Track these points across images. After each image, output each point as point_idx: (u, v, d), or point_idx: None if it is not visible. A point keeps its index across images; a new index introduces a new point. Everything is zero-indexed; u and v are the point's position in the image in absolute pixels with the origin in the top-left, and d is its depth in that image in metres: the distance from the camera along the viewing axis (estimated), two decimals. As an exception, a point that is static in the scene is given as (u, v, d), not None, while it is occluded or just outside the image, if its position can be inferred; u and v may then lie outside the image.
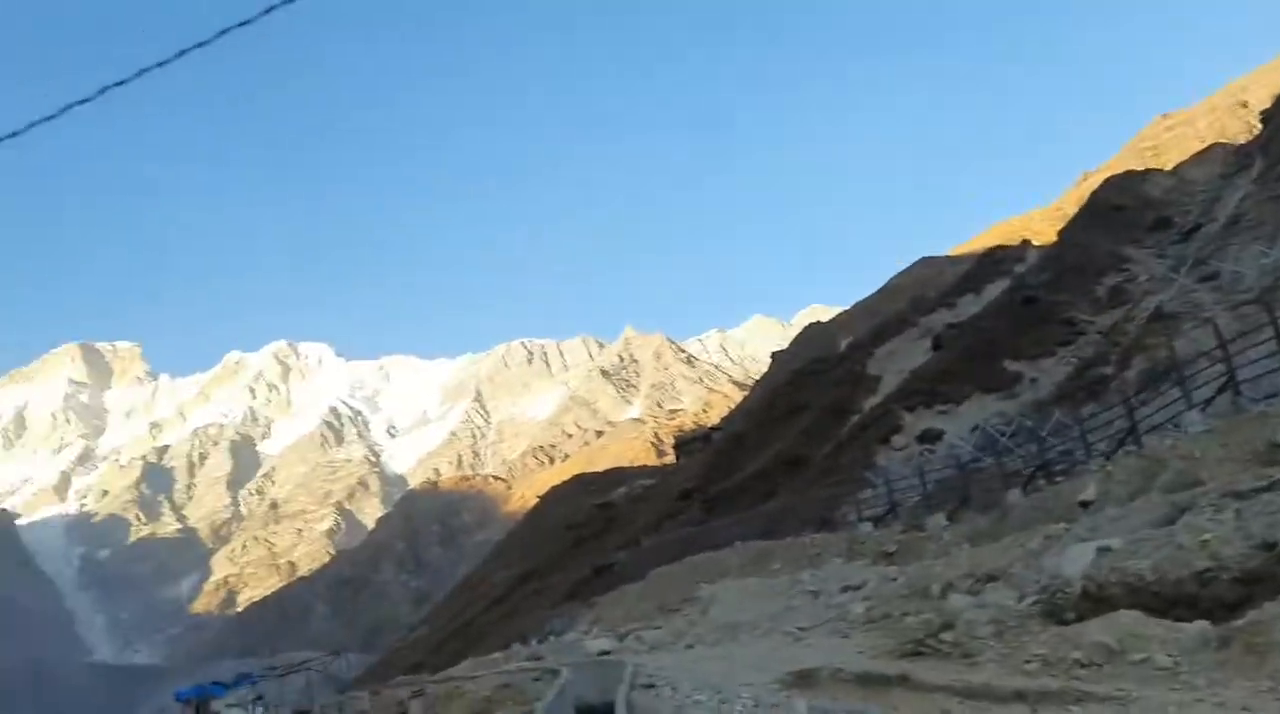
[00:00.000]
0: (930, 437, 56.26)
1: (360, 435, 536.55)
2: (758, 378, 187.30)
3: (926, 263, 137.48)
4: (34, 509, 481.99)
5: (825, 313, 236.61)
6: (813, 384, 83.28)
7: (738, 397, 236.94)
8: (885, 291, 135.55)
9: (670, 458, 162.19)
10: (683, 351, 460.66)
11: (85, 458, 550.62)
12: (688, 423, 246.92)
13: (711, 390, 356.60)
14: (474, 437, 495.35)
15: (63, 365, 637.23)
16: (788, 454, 71.05)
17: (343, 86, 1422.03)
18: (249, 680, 36.67)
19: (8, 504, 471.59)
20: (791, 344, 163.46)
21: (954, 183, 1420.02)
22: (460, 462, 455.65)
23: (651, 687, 17.63)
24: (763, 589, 31.30)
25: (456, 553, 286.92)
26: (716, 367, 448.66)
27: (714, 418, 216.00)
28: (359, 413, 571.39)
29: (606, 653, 28.07)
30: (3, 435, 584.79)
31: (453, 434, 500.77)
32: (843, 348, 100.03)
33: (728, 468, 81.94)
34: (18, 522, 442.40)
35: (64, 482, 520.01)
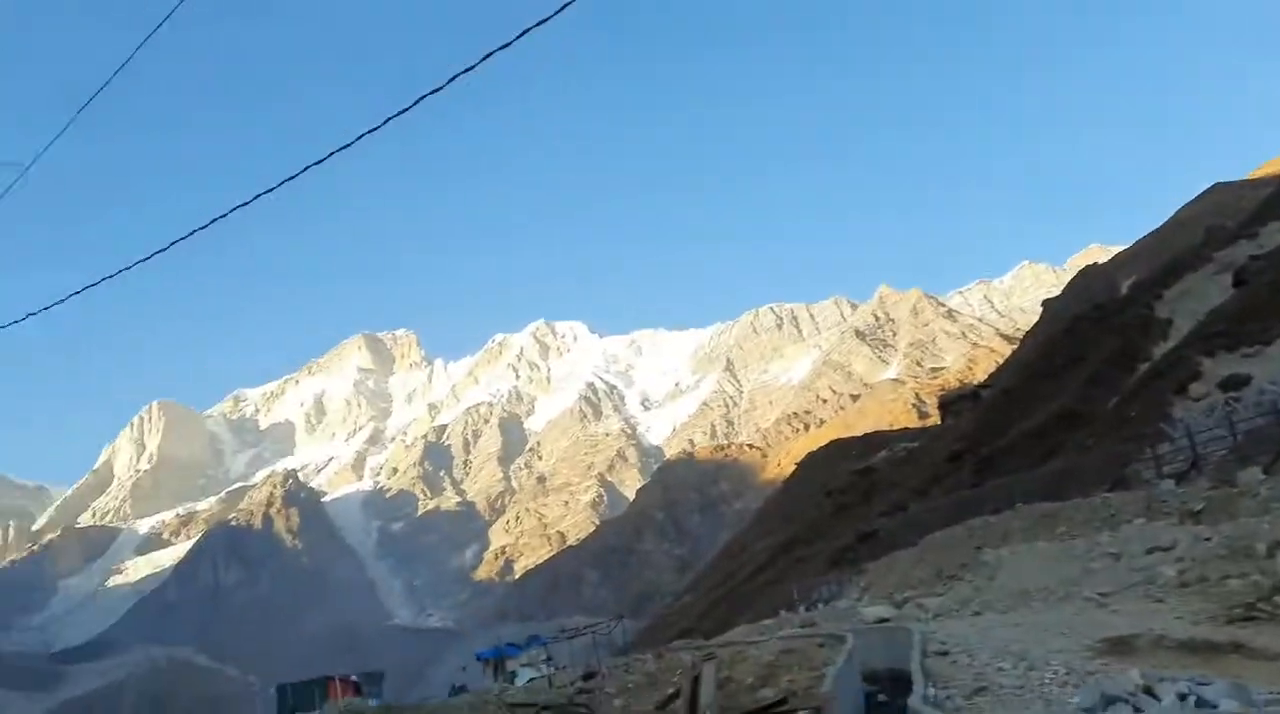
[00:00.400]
0: (1235, 383, 50.18)
1: (616, 409, 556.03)
2: (1028, 329, 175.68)
3: (1220, 190, 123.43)
4: (336, 486, 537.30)
5: (1103, 254, 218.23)
6: (1093, 332, 76.62)
7: (1006, 351, 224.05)
8: (1173, 225, 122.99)
9: (934, 419, 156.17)
10: (943, 306, 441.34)
11: (375, 439, 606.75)
12: (951, 381, 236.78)
13: (976, 346, 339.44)
14: (726, 405, 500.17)
15: (351, 355, 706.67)
16: (1067, 409, 65.83)
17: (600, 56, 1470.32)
18: (539, 642, 38.69)
19: (314, 482, 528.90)
20: (1065, 290, 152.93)
21: (1243, 99, 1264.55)
22: (714, 431, 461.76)
23: (945, 654, 16.41)
24: (1055, 553, 28.95)
25: (715, 521, 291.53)
26: (981, 320, 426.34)
27: (980, 375, 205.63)
28: (614, 387, 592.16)
29: (885, 620, 26.88)
30: (305, 421, 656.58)
31: (705, 404, 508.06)
32: (1125, 290, 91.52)
33: (1000, 426, 77.20)
34: (324, 499, 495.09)
35: (359, 461, 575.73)
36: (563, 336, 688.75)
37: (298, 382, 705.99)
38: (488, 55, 9.20)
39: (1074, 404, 66.17)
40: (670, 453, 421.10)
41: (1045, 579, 25.92)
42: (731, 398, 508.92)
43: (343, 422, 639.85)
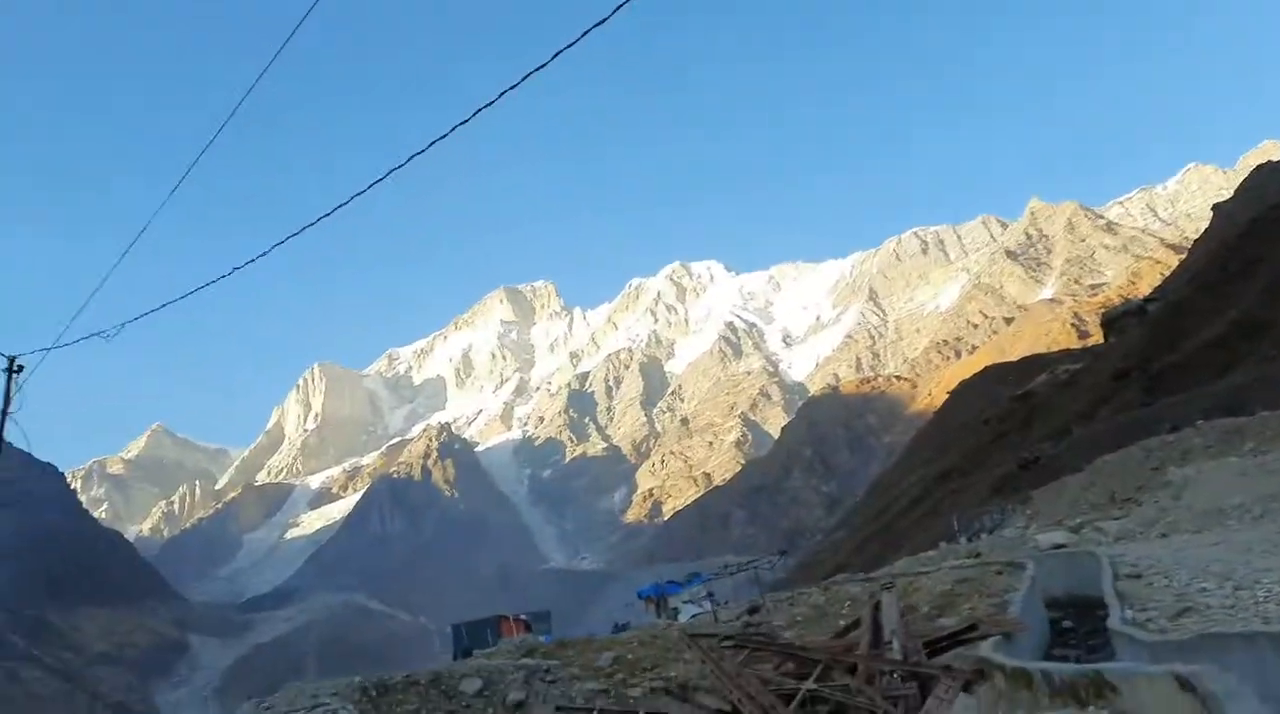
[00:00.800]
0: None
1: (757, 347, 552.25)
2: (1197, 237, 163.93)
3: None
4: (487, 437, 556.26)
5: (1278, 150, 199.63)
6: (1272, 234, 70.83)
7: (1173, 262, 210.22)
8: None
9: (1095, 338, 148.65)
10: (1100, 218, 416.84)
11: (521, 389, 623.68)
12: (1113, 298, 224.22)
13: (1139, 258, 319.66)
14: (871, 337, 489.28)
15: (494, 308, 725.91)
16: (1247, 319, 61.42)
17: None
18: (700, 579, 39.11)
19: (466, 434, 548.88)
20: (1237, 192, 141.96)
21: None
22: (859, 364, 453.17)
23: (1138, 576, 15.50)
24: (1247, 469, 27.07)
25: (864, 456, 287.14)
26: (1143, 230, 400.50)
27: (1145, 288, 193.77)
28: (753, 325, 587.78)
29: (1062, 546, 25.83)
30: (455, 375, 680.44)
31: (849, 336, 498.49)
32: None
33: (1170, 342, 72.76)
34: (477, 449, 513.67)
35: (507, 411, 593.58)
36: (698, 277, 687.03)
37: (445, 338, 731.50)
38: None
39: (1255, 313, 61.73)
40: (814, 389, 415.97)
41: (1239, 497, 24.25)
42: (876, 329, 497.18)
43: (489, 374, 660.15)
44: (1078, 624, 16.62)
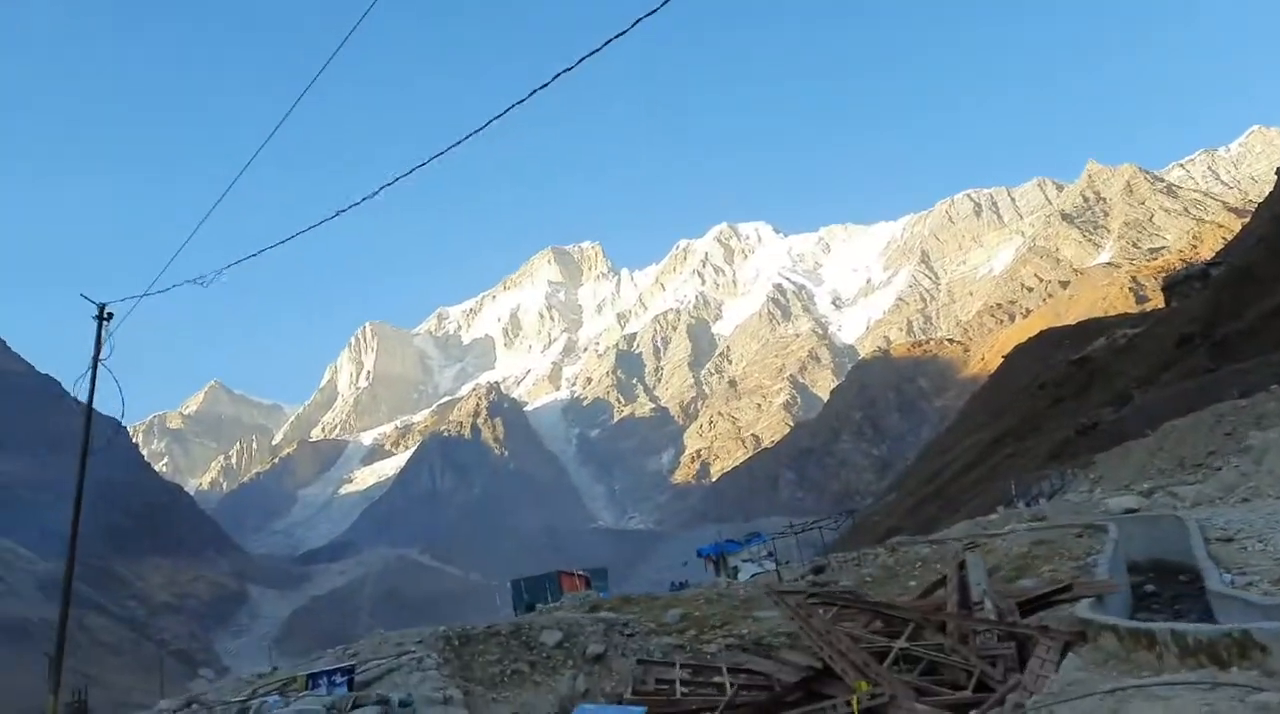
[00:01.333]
0: None
1: (806, 309, 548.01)
2: (1261, 201, 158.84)
3: None
4: (536, 397, 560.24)
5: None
6: (1350, 196, 68.36)
7: (1235, 225, 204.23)
8: None
9: (1155, 303, 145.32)
10: (1160, 181, 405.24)
11: (569, 349, 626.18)
12: (1173, 262, 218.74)
13: (1201, 221, 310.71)
14: (923, 300, 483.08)
15: (541, 269, 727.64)
16: (1321, 282, 59.44)
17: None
18: (760, 539, 39.13)
19: (515, 393, 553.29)
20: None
21: None
22: (910, 327, 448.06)
23: (1230, 540, 15.17)
24: (1332, 435, 26.32)
25: (915, 420, 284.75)
26: (1206, 193, 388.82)
27: (1206, 252, 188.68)
28: (802, 287, 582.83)
29: (1134, 510, 25.42)
30: (504, 335, 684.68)
31: (900, 299, 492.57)
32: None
33: (1235, 307, 70.85)
34: (525, 408, 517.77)
35: (555, 371, 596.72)
36: (746, 238, 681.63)
37: (494, 297, 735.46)
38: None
39: (1330, 276, 59.75)
40: (864, 351, 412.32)
41: (1324, 463, 23.61)
42: (928, 292, 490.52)
43: (537, 334, 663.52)
44: (1160, 588, 16.35)
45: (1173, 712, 5.06)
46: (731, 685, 12.24)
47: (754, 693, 11.87)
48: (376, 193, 13.59)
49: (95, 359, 18.18)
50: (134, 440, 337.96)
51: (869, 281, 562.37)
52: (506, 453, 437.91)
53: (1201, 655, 6.22)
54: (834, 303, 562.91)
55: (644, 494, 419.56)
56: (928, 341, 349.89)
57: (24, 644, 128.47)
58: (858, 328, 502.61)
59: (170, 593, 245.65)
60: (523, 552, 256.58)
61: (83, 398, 18.23)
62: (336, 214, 14.49)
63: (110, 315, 18.56)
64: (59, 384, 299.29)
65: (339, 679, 13.87)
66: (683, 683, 13.04)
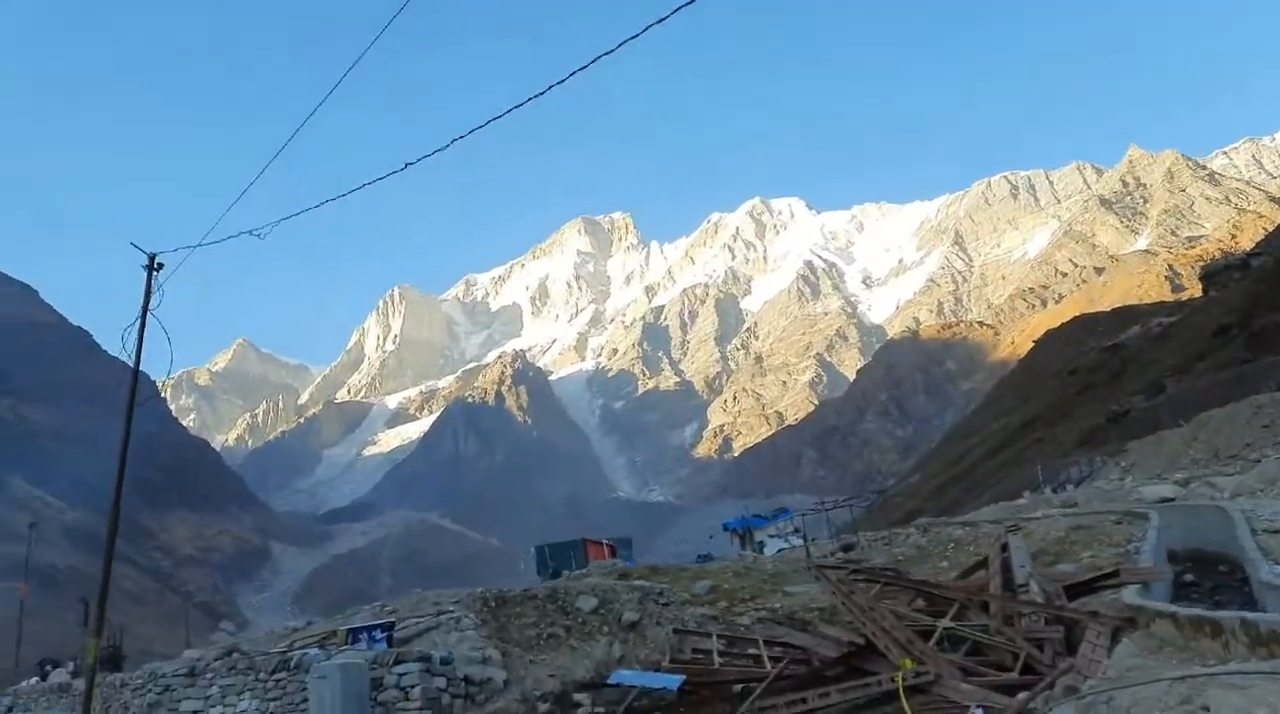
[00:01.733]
0: None
1: (836, 287, 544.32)
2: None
3: None
4: (561, 366, 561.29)
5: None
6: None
7: (1277, 216, 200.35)
8: None
9: (1192, 292, 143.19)
10: (1203, 168, 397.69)
11: (596, 320, 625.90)
12: (1211, 251, 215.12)
13: (1242, 211, 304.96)
14: (954, 282, 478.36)
15: (571, 238, 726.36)
16: (1367, 276, 58.27)
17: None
18: (786, 514, 39.12)
19: (540, 362, 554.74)
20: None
21: None
22: (940, 308, 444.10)
23: (1278, 532, 14.94)
24: (1378, 431, 25.86)
25: (942, 402, 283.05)
26: (1248, 183, 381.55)
27: (1246, 243, 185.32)
28: (833, 265, 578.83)
29: (1169, 499, 25.18)
30: (531, 304, 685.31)
31: (931, 280, 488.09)
32: None
33: (1275, 297, 69.65)
34: (550, 377, 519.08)
35: (581, 342, 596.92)
36: (779, 214, 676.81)
37: (523, 265, 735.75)
38: None
39: (1377, 270, 58.55)
40: (893, 332, 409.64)
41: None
42: (960, 274, 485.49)
43: (565, 304, 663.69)
44: (1199, 578, 16.18)
45: (1252, 700, 5.04)
46: (771, 660, 12.23)
47: (793, 667, 11.85)
48: (416, 161, 13.54)
49: (145, 309, 18.29)
50: (163, 395, 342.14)
51: (901, 262, 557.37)
52: (530, 421, 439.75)
53: (1274, 645, 6.12)
54: (864, 282, 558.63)
55: (666, 467, 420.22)
56: (957, 324, 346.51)
57: (52, 591, 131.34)
58: (887, 308, 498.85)
59: (195, 546, 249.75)
60: (544, 519, 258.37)
61: (130, 349, 18.34)
62: (388, 173, 14.44)
63: (161, 265, 18.66)
64: (90, 336, 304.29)
65: (379, 635, 14.05)
66: (719, 653, 13.06)
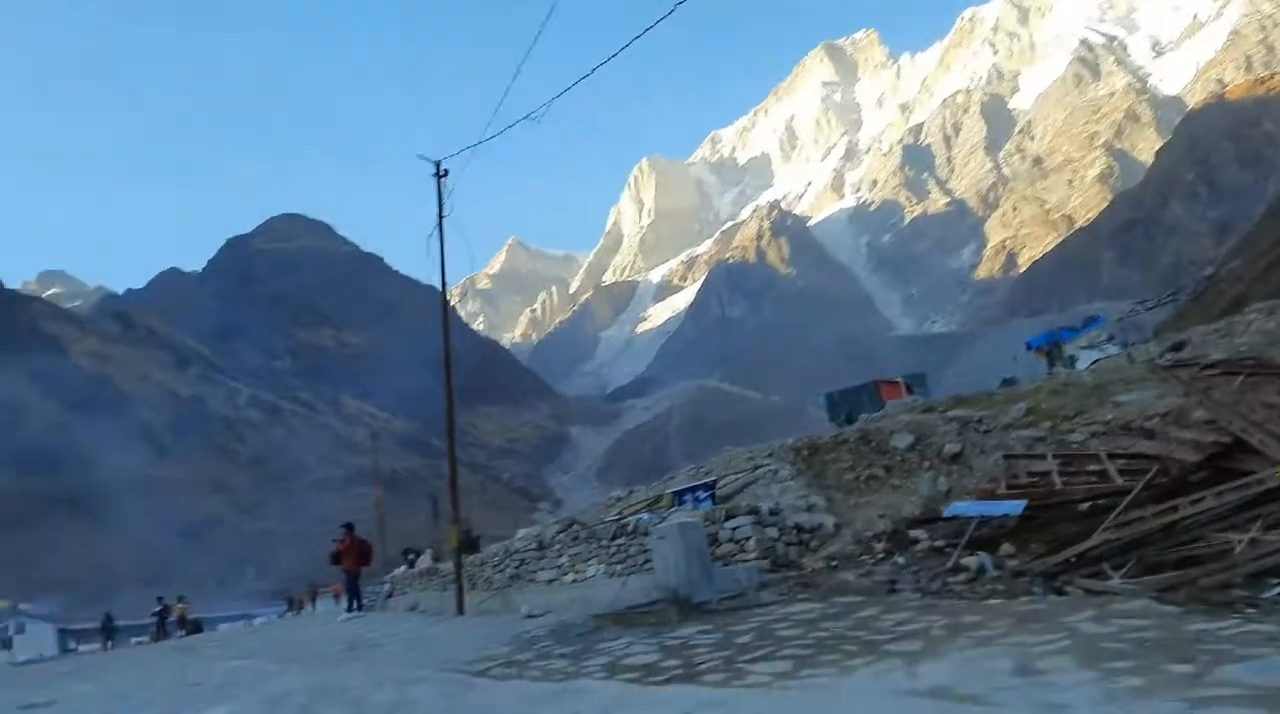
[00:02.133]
0: None
1: (1119, 63, 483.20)
2: None
3: None
4: (819, 209, 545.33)
5: None
6: None
7: None
8: None
9: None
10: None
11: (850, 153, 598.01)
12: None
13: None
14: (1263, 28, 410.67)
15: (813, 70, 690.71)
16: None
17: None
18: (1097, 322, 36.25)
19: (797, 209, 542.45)
20: None
21: None
22: (1249, 64, 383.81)
23: None
24: None
25: (1260, 170, 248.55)
26: None
27: None
28: (1113, 38, 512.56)
29: None
30: (780, 149, 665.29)
31: (1234, 33, 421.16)
32: None
33: None
34: (809, 223, 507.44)
35: (838, 179, 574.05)
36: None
37: (767, 111, 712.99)
38: None
39: None
40: (1194, 101, 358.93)
41: None
42: (1270, 17, 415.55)
43: (815, 143, 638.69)
44: None
45: None
46: (1120, 473, 11.23)
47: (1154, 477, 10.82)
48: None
49: (440, 216, 19.45)
50: (453, 305, 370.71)
51: (1195, 17, 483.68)
52: (794, 271, 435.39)
53: None
54: (1153, 50, 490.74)
55: (945, 295, 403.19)
56: (1272, 77, 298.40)
57: (397, 491, 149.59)
58: (1184, 75, 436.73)
59: (503, 438, 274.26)
60: (822, 369, 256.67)
61: (435, 256, 19.70)
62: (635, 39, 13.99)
63: (446, 172, 19.67)
64: (382, 260, 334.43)
65: (703, 495, 14.49)
66: (1058, 473, 12.21)
